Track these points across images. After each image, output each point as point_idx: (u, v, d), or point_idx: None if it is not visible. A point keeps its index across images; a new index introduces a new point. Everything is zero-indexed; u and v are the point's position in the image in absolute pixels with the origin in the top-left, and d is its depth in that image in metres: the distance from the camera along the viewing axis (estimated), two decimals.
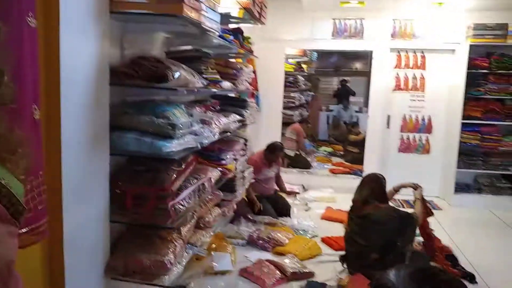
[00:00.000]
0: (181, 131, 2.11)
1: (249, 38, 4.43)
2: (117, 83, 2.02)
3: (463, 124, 5.64)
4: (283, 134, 7.13)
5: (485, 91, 5.65)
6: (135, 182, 2.09)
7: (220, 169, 2.97)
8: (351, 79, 12.61)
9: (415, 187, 3.65)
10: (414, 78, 6.07)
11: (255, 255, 3.67)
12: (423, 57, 6.04)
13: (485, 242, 4.57)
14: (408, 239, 3.29)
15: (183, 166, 2.24)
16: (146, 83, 2.07)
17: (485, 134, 5.69)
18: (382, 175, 3.51)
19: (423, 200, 3.60)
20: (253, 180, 4.25)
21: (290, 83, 7.83)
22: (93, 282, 1.94)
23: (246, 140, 3.86)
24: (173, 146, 2.03)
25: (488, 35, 5.46)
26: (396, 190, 3.79)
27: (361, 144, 7.45)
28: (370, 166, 6.21)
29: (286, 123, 7.46)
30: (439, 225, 4.91)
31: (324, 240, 4.17)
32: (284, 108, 7.02)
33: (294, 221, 4.55)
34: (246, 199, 4.67)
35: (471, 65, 5.56)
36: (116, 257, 2.03)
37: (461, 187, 5.85)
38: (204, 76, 2.63)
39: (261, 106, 6.07)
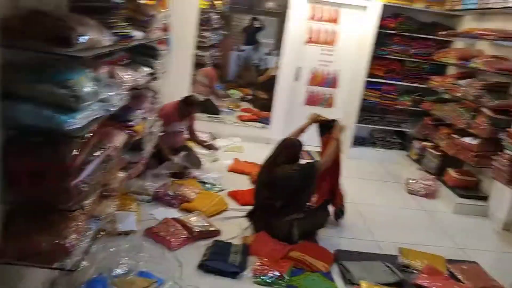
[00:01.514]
0: (86, 102, 1.89)
1: None
2: (7, 45, 1.71)
3: (366, 81, 5.94)
4: (194, 76, 6.88)
5: (389, 51, 5.94)
6: (32, 156, 1.85)
7: (128, 131, 2.78)
8: (264, 19, 12.39)
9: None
10: (327, 32, 6.13)
11: (161, 212, 3.63)
12: (337, 11, 6.08)
13: (372, 190, 5.17)
14: (309, 186, 3.50)
15: (87, 137, 2.05)
16: (43, 46, 1.78)
17: (385, 93, 6.09)
18: (299, 141, 3.60)
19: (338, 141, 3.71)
20: (161, 133, 4.07)
21: (203, 22, 7.47)
22: None
23: (155, 93, 3.64)
24: (77, 121, 1.82)
25: None
26: (302, 129, 3.92)
27: (269, 87, 7.48)
28: (277, 116, 6.35)
29: (197, 65, 7.19)
30: None
31: (230, 194, 4.25)
32: (196, 48, 6.72)
33: (202, 174, 4.54)
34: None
35: (380, 24, 5.75)
36: (9, 240, 1.84)
37: (358, 141, 6.30)
38: (113, 31, 2.35)
39: (172, 48, 5.74)
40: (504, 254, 4.01)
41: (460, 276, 3.33)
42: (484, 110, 4.59)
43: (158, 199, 3.84)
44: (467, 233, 4.32)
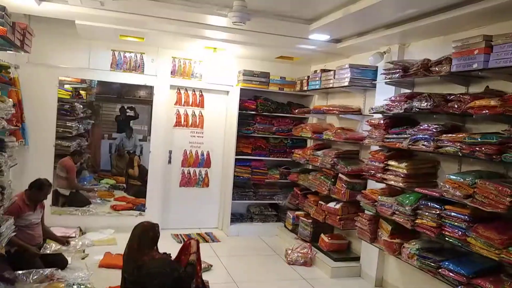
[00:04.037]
0: None
1: (7, 67, 3.89)
2: None
3: (236, 159, 6.19)
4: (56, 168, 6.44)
5: (253, 129, 6.34)
6: None
7: None
8: (136, 107, 12.40)
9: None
10: (194, 115, 6.37)
11: None
12: (201, 96, 6.41)
13: (253, 266, 5.16)
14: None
15: None
16: None
17: (255, 168, 6.38)
18: (155, 223, 3.48)
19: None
20: (13, 234, 3.62)
21: (66, 111, 7.19)
22: None
23: (2, 188, 3.27)
24: None
25: (254, 81, 6.18)
26: None
27: (142, 173, 7.33)
28: (152, 201, 6.18)
29: (63, 156, 6.79)
30: (217, 258, 5.19)
31: None
32: (60, 138, 6.37)
33: (68, 274, 4.09)
34: (5, 254, 3.97)
35: (242, 106, 6.17)
36: None
37: (236, 217, 6.38)
38: None
39: (29, 139, 5.37)
40: None
41: None
42: (341, 176, 5.05)
43: None
44: None
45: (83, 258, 4.75)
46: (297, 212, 6.13)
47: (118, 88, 12.25)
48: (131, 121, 11.53)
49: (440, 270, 3.37)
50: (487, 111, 3.03)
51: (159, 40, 5.62)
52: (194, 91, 6.37)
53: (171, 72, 6.16)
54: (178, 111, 6.32)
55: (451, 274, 3.25)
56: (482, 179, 3.03)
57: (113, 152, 10.41)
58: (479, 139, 3.08)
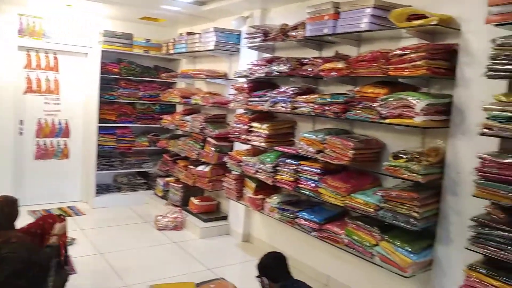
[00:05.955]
0: None
1: None
2: None
3: (99, 127, 5.83)
4: None
5: (117, 95, 6.00)
6: None
7: None
8: None
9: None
10: (48, 80, 5.77)
11: None
12: (55, 58, 5.81)
13: (121, 236, 4.99)
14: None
15: None
16: None
17: (120, 136, 6.09)
18: (8, 199, 3.12)
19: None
20: None
21: None
22: None
23: None
24: None
25: (117, 42, 5.81)
26: None
27: None
28: (1, 176, 5.53)
29: None
30: (81, 232, 4.93)
31: None
32: None
33: None
34: None
35: (104, 70, 5.78)
36: None
37: (102, 189, 6.07)
38: None
39: None
40: (246, 263, 4.46)
41: None
42: (209, 139, 5.12)
43: None
44: (214, 253, 4.64)
45: None
46: (167, 179, 6.07)
47: None
48: None
49: (296, 220, 3.68)
50: (335, 73, 3.31)
51: None
52: (47, 53, 5.74)
53: (18, 31, 5.44)
54: (29, 76, 5.65)
55: (305, 222, 3.57)
56: (331, 135, 3.34)
57: None
58: (329, 100, 3.36)
